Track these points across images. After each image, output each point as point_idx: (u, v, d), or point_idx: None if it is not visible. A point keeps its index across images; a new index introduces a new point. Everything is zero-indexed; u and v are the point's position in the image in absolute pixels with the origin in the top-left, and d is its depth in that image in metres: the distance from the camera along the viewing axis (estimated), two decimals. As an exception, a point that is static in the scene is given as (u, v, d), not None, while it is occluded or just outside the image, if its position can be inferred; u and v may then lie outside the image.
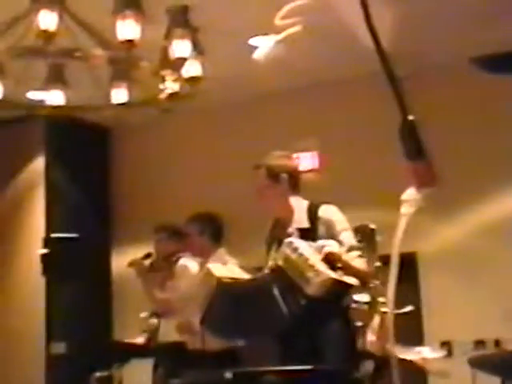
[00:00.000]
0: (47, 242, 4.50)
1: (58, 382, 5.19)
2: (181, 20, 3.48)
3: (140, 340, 3.99)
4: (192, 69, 3.61)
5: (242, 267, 3.02)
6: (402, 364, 1.80)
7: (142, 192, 6.06)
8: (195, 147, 5.95)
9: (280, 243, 2.78)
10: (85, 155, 6.04)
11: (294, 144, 5.49)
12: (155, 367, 3.96)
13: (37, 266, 4.49)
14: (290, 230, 2.92)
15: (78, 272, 4.58)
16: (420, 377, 4.55)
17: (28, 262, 5.49)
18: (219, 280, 2.74)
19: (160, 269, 4.07)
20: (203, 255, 3.83)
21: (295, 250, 2.64)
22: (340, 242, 2.84)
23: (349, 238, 2.89)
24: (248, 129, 5.73)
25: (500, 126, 4.88)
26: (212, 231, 3.83)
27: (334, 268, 2.64)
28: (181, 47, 3.38)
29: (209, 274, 2.80)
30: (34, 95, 4.70)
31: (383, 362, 3.04)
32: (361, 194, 5.19)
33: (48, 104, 3.81)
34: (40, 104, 4.01)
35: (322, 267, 2.59)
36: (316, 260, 2.61)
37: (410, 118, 1.17)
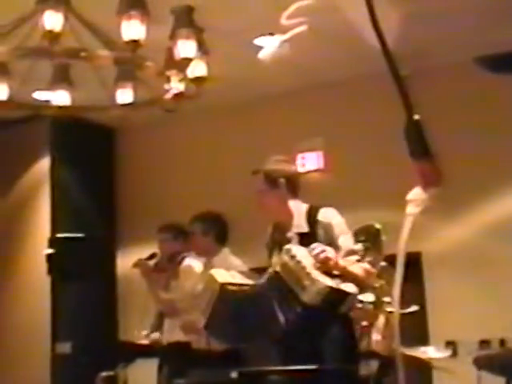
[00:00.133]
0: (52, 241, 4.51)
1: (63, 382, 5.20)
2: (186, 20, 3.49)
3: (145, 341, 4.00)
4: (197, 69, 3.62)
5: (243, 272, 3.02)
6: (407, 360, 1.80)
7: (148, 192, 6.07)
8: (200, 147, 5.96)
9: (281, 248, 2.78)
10: (90, 155, 6.05)
11: (300, 144, 5.51)
12: (160, 367, 3.97)
13: (42, 266, 4.49)
14: (290, 234, 2.92)
15: (83, 272, 4.58)
16: (425, 376, 4.55)
17: (33, 262, 5.50)
18: (222, 286, 2.76)
19: (164, 269, 4.07)
20: (207, 255, 3.83)
21: (293, 257, 2.64)
22: (339, 247, 2.84)
23: (347, 241, 2.88)
24: (253, 129, 5.74)
25: (505, 125, 4.87)
26: (216, 231, 3.83)
27: (331, 275, 2.64)
28: (186, 47, 3.39)
29: (212, 279, 2.81)
30: (39, 95, 4.72)
31: (388, 362, 3.04)
32: (366, 194, 5.19)
33: (53, 104, 3.83)
34: (45, 104, 4.02)
35: (319, 275, 2.59)
36: (312, 268, 2.61)
37: (416, 117, 1.18)
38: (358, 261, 2.89)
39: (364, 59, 4.42)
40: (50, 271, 4.40)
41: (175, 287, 3.96)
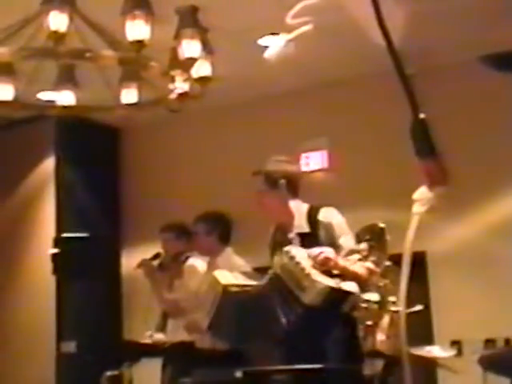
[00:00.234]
0: (57, 241, 4.53)
1: (68, 381, 5.22)
2: (190, 20, 3.50)
3: (149, 341, 4.00)
4: (201, 69, 3.62)
5: (246, 273, 3.03)
6: (412, 359, 1.81)
7: (152, 191, 6.08)
8: (205, 147, 5.96)
9: (282, 249, 2.78)
10: (95, 155, 6.06)
11: (304, 143, 5.51)
12: (164, 366, 3.97)
13: (47, 266, 4.51)
14: (291, 235, 2.92)
15: (88, 271, 4.60)
16: (430, 375, 4.54)
17: (38, 261, 5.51)
18: (224, 288, 2.76)
19: (168, 268, 4.07)
20: (211, 255, 3.83)
21: (292, 258, 2.64)
22: (339, 247, 2.83)
23: (348, 241, 2.88)
24: (258, 128, 5.74)
25: (511, 124, 4.85)
26: (220, 231, 3.83)
27: (331, 275, 2.64)
28: (190, 47, 3.40)
29: (215, 281, 2.82)
30: (44, 96, 4.73)
31: (393, 361, 3.04)
32: (370, 193, 5.18)
33: (58, 104, 3.84)
34: (51, 104, 4.04)
35: (319, 276, 2.59)
36: (312, 269, 2.61)
37: (421, 116, 1.18)
38: (360, 260, 2.89)
39: (369, 58, 4.41)
40: (55, 271, 4.41)
41: (179, 287, 3.97)
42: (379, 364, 3.13)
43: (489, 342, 4.69)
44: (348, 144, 5.40)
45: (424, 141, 1.19)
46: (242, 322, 2.73)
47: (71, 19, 3.12)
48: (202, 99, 3.69)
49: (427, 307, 4.61)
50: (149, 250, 4.35)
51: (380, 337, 3.19)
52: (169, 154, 6.13)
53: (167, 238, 4.09)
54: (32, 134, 5.86)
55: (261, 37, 4.55)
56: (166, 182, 6.05)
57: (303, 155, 5.50)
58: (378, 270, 3.25)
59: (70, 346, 5.46)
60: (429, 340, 4.51)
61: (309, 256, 2.67)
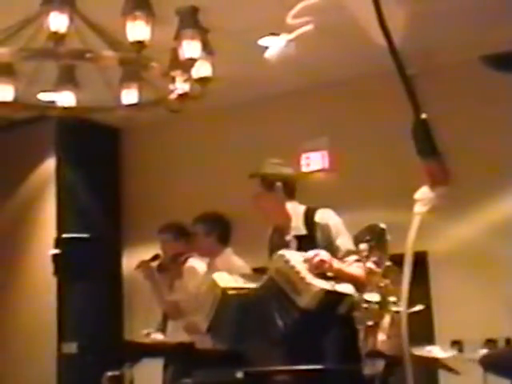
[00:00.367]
0: (58, 242, 4.52)
1: (69, 382, 5.22)
2: (190, 21, 3.50)
3: (146, 340, 4.00)
4: (202, 69, 3.63)
5: (244, 275, 3.03)
6: (413, 359, 1.81)
7: (153, 192, 6.08)
8: (205, 147, 5.96)
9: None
10: (95, 155, 6.06)
11: (305, 144, 5.51)
12: (166, 367, 3.97)
13: (48, 266, 4.50)
14: (288, 237, 2.93)
15: (89, 272, 4.59)
16: (431, 375, 4.54)
17: (39, 262, 5.52)
18: (224, 291, 2.77)
19: (168, 269, 4.07)
20: (210, 255, 3.83)
21: (287, 262, 2.64)
22: (337, 248, 2.84)
23: (345, 242, 2.88)
24: (258, 129, 5.74)
25: (511, 124, 4.85)
26: (219, 232, 3.83)
27: (326, 278, 2.64)
28: (190, 48, 3.40)
29: (214, 283, 2.83)
30: (45, 96, 4.73)
31: (394, 361, 3.04)
32: (371, 194, 5.18)
33: (59, 105, 3.84)
34: (51, 105, 4.04)
35: (313, 279, 2.59)
36: (307, 272, 2.61)
37: (423, 116, 1.18)
38: (358, 260, 2.90)
39: (371, 58, 4.41)
40: (56, 271, 4.40)
41: (179, 288, 3.97)
42: (380, 364, 3.12)
43: (490, 342, 4.69)
44: (348, 144, 5.40)
45: (426, 141, 1.19)
46: (241, 324, 2.74)
47: (71, 20, 3.12)
48: (203, 99, 3.70)
49: (428, 307, 4.61)
50: (149, 251, 4.35)
51: (381, 337, 3.19)
52: (169, 155, 6.13)
53: (166, 239, 4.09)
54: (33, 135, 5.86)
55: (261, 37, 4.55)
56: (166, 183, 6.06)
57: (304, 155, 5.50)
58: (378, 270, 3.25)
59: (71, 347, 5.46)
60: (429, 340, 4.51)
61: (304, 260, 2.68)
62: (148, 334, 3.95)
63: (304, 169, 5.50)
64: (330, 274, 2.66)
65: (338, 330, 2.74)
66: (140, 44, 3.09)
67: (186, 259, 3.98)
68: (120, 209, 6.25)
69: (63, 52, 3.15)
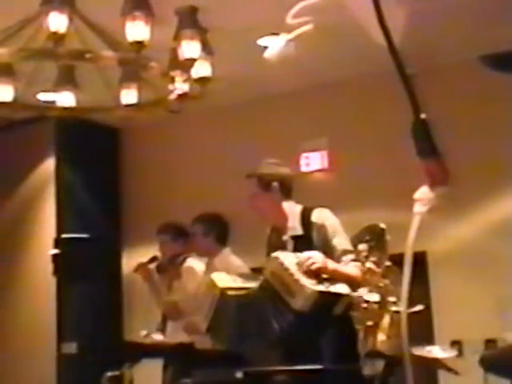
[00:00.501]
0: (58, 242, 4.52)
1: (69, 382, 5.22)
2: (190, 21, 3.50)
3: (146, 340, 4.00)
4: (201, 69, 3.63)
5: (243, 274, 3.04)
6: (412, 360, 1.81)
7: (152, 192, 6.08)
8: (204, 147, 5.96)
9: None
10: (95, 156, 6.06)
11: (304, 144, 5.51)
12: (165, 367, 3.97)
13: (48, 267, 4.50)
14: (285, 238, 2.94)
15: (88, 272, 4.59)
16: (431, 376, 4.54)
17: (39, 262, 5.51)
18: (222, 291, 2.77)
19: (166, 270, 4.07)
20: (208, 256, 3.84)
21: (281, 264, 2.65)
22: (333, 248, 2.84)
23: (342, 242, 2.88)
24: (257, 129, 5.74)
25: (511, 124, 4.85)
26: (217, 232, 3.84)
27: (320, 279, 2.63)
28: (190, 48, 3.40)
29: (212, 284, 2.84)
30: (44, 96, 4.73)
31: (394, 361, 3.04)
32: (370, 194, 5.18)
33: (58, 105, 3.84)
34: (50, 105, 4.04)
35: (307, 281, 2.59)
36: (301, 274, 2.61)
37: (423, 116, 1.18)
38: (355, 260, 2.90)
39: (370, 58, 4.41)
40: (56, 272, 4.40)
41: (178, 288, 3.97)
42: (380, 364, 3.12)
43: (490, 342, 4.69)
44: (348, 144, 5.40)
45: (425, 141, 1.19)
46: (240, 325, 2.74)
47: (71, 20, 3.12)
48: (202, 100, 3.70)
49: (428, 307, 4.61)
50: (149, 251, 4.35)
51: (380, 337, 3.19)
52: (169, 155, 6.13)
53: (164, 240, 4.09)
54: (32, 135, 5.86)
55: (261, 37, 4.55)
56: (166, 183, 6.05)
57: (303, 155, 5.50)
58: (378, 270, 3.25)
59: (71, 347, 5.46)
60: (429, 340, 4.51)
61: (297, 262, 2.68)
62: (147, 335, 3.95)
63: (303, 169, 5.50)
64: (324, 275, 2.66)
65: (335, 330, 2.73)
66: (139, 44, 3.09)
67: (184, 259, 3.98)
68: (120, 209, 6.25)
69: (63, 52, 3.15)
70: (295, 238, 2.91)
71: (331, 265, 2.72)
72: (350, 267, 2.83)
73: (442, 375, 4.50)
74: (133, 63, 3.38)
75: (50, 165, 5.89)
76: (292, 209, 2.98)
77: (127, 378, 3.97)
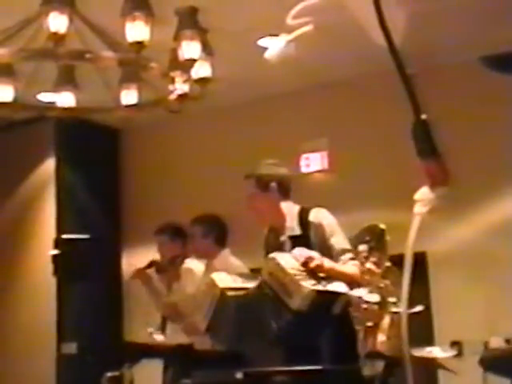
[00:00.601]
0: (58, 242, 4.52)
1: (69, 382, 5.21)
2: (190, 21, 3.49)
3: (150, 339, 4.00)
4: (201, 70, 3.62)
5: (243, 274, 3.04)
6: (412, 360, 1.81)
7: (152, 192, 6.08)
8: (205, 147, 5.96)
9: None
10: (95, 156, 6.06)
11: (304, 144, 5.51)
12: (165, 367, 3.97)
13: (48, 267, 4.50)
14: (283, 238, 2.94)
15: (88, 273, 4.59)
16: (431, 376, 4.54)
17: (39, 262, 5.51)
18: (222, 291, 2.78)
19: (165, 271, 4.07)
20: (208, 257, 3.84)
21: (278, 265, 2.65)
22: (331, 247, 2.84)
23: (339, 241, 2.89)
24: (257, 129, 5.73)
25: (511, 124, 4.85)
26: (216, 233, 3.84)
27: (317, 278, 2.63)
28: (190, 48, 3.40)
29: (212, 283, 2.84)
30: (44, 97, 4.73)
31: (393, 362, 3.04)
32: (370, 194, 5.18)
33: (58, 106, 3.84)
34: (50, 106, 4.03)
35: (304, 280, 2.59)
36: (298, 273, 2.61)
37: (423, 117, 1.18)
38: (353, 259, 2.90)
39: (370, 58, 4.41)
40: (56, 272, 4.40)
41: (177, 290, 3.97)
42: (380, 365, 3.13)
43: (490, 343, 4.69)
44: (348, 144, 5.40)
45: (426, 141, 1.19)
46: (239, 324, 2.75)
47: (71, 20, 3.12)
48: (202, 100, 3.69)
49: (428, 308, 4.61)
50: (149, 251, 4.35)
51: (380, 338, 3.19)
52: (169, 155, 6.13)
53: (162, 241, 4.09)
54: (32, 136, 5.86)
55: (261, 37, 4.55)
56: (166, 183, 6.05)
57: (303, 156, 5.50)
58: (378, 270, 3.25)
59: (71, 347, 5.46)
60: (429, 341, 4.51)
61: (294, 258, 2.68)
62: (152, 334, 3.95)
63: (304, 170, 5.50)
64: (321, 274, 2.66)
65: (334, 329, 2.73)
66: (139, 44, 3.09)
67: (182, 260, 3.98)
68: (119, 209, 6.25)
69: (63, 52, 3.15)
70: (293, 238, 2.92)
71: (328, 263, 2.72)
72: (349, 266, 2.84)
73: (442, 375, 4.50)
74: (133, 64, 3.38)
75: (50, 165, 5.89)
76: (290, 209, 2.98)
77: (127, 379, 3.97)
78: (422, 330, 4.28)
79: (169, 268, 4.03)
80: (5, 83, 3.63)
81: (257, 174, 3.03)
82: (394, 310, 3.18)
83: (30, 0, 3.10)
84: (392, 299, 3.19)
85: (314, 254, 2.70)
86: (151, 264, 4.06)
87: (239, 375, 2.67)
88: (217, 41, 3.80)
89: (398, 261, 2.28)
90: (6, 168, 6.01)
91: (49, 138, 5.87)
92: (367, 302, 3.14)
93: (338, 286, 2.64)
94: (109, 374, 4.00)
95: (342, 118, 5.46)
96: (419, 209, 1.22)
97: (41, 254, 5.42)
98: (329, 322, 2.69)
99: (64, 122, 5.03)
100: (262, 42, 4.59)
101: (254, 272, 3.13)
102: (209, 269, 3.72)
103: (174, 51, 3.43)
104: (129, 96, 3.70)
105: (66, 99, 3.78)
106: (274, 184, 2.98)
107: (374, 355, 3.12)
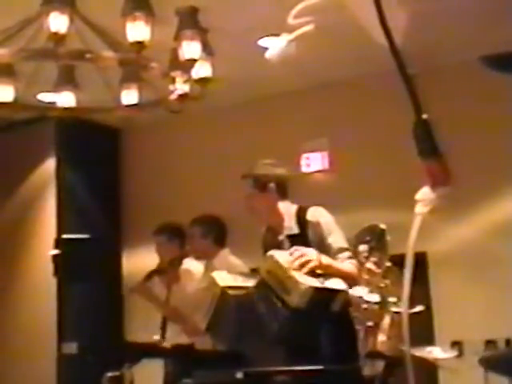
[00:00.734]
0: (58, 242, 4.51)
1: (69, 382, 5.21)
2: (190, 21, 3.49)
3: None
4: (202, 70, 3.62)
5: (243, 273, 3.04)
6: (413, 360, 1.81)
7: (153, 192, 6.08)
8: (205, 147, 5.96)
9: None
10: (95, 156, 6.06)
11: (305, 144, 5.51)
12: (166, 368, 3.97)
13: (48, 267, 4.50)
14: (281, 237, 2.95)
15: (89, 273, 4.59)
16: (431, 376, 4.54)
17: (39, 262, 5.51)
18: (223, 290, 2.78)
19: (165, 272, 4.07)
20: (207, 257, 3.84)
21: (276, 263, 2.66)
22: (329, 246, 2.85)
23: (337, 240, 2.89)
24: (258, 129, 5.74)
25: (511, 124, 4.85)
26: (215, 234, 3.84)
27: (315, 275, 2.63)
28: (190, 48, 3.39)
29: (213, 282, 2.84)
30: (44, 97, 4.73)
31: (394, 362, 3.04)
32: (371, 194, 5.18)
33: (59, 105, 3.83)
34: (51, 106, 4.03)
35: (301, 277, 2.59)
36: (296, 271, 2.61)
37: (424, 116, 1.18)
38: (351, 257, 2.90)
39: (370, 58, 4.41)
40: (56, 272, 4.40)
41: (177, 291, 3.97)
42: (380, 365, 3.12)
43: (490, 343, 4.69)
44: (349, 144, 5.40)
45: (427, 141, 1.19)
46: (240, 323, 2.75)
47: (71, 20, 3.11)
48: (203, 100, 3.69)
49: (428, 308, 4.61)
50: (149, 251, 4.34)
51: (381, 338, 3.19)
52: (169, 155, 6.13)
53: (160, 242, 4.08)
54: (32, 136, 5.86)
55: (261, 37, 4.55)
56: (166, 183, 6.05)
57: (304, 156, 5.50)
58: (378, 270, 3.25)
59: (71, 347, 5.46)
60: (430, 341, 4.51)
61: (289, 253, 2.68)
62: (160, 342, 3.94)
63: (304, 169, 5.50)
64: (319, 271, 2.66)
65: (333, 328, 2.73)
66: (140, 44, 3.09)
67: (180, 261, 3.98)
68: (120, 209, 6.25)
69: (63, 52, 3.15)
70: (291, 237, 2.93)
71: (325, 260, 2.72)
72: (346, 264, 2.84)
73: (442, 375, 4.50)
74: (133, 63, 3.38)
75: (50, 165, 5.89)
76: (288, 208, 2.99)
77: (127, 379, 3.97)
78: (422, 330, 4.28)
79: (168, 270, 4.03)
80: (5, 83, 3.63)
81: (254, 174, 3.03)
82: (395, 309, 3.18)
83: (30, 0, 3.10)
84: (392, 299, 3.19)
85: (312, 251, 2.70)
86: (150, 275, 4.04)
87: (239, 375, 2.67)
88: (217, 41, 3.80)
89: (398, 261, 2.28)
90: (7, 168, 6.01)
91: (49, 138, 5.87)
92: (367, 302, 3.14)
93: (336, 283, 2.64)
94: (109, 374, 4.00)
95: (343, 118, 5.46)
96: (420, 209, 1.22)
97: (41, 253, 5.43)
98: (328, 320, 2.69)
99: (64, 122, 5.03)
100: (262, 42, 4.59)
101: (254, 272, 3.13)
102: (209, 269, 3.72)
103: (175, 51, 3.43)
104: (129, 96, 3.70)
105: (66, 99, 3.78)
106: (272, 184, 2.99)
107: (375, 355, 3.12)
